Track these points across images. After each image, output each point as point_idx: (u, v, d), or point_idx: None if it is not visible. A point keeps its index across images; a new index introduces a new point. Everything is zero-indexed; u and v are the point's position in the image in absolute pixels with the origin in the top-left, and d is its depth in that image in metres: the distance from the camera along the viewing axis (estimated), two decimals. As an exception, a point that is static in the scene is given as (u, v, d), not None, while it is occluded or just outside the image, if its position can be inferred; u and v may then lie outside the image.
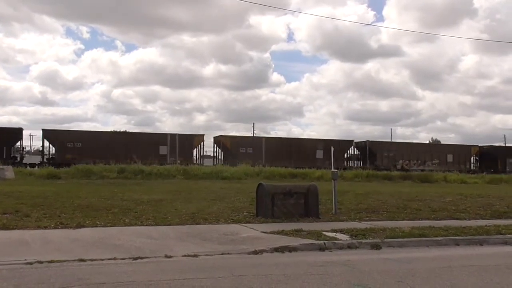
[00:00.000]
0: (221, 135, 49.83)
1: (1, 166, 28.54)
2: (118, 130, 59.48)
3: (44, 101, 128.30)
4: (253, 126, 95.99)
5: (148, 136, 46.36)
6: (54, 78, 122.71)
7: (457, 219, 13.09)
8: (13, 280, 6.09)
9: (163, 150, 44.37)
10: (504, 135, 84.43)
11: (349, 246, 9.11)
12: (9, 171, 27.40)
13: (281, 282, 6.33)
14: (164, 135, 46.72)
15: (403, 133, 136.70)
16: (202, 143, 47.91)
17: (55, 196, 15.95)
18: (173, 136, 45.93)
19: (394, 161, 50.75)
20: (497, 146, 59.94)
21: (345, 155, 51.10)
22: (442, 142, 69.93)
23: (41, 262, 7.03)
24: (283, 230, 10.09)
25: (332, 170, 13.82)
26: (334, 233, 9.96)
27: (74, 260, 7.24)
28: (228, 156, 45.89)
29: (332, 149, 16.07)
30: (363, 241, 9.41)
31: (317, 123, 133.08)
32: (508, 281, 6.85)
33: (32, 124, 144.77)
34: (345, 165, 49.23)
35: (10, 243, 8.43)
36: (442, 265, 7.74)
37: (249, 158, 43.31)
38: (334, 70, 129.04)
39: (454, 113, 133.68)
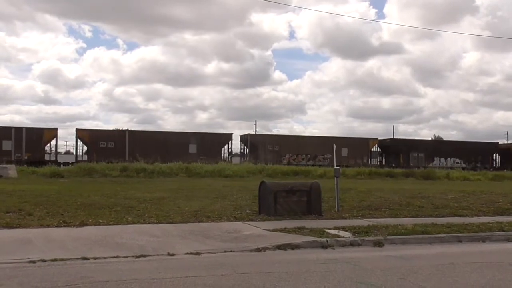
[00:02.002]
0: (80, 129, 45.98)
1: (4, 165, 28.62)
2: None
3: (47, 100, 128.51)
4: (255, 124, 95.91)
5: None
6: (56, 77, 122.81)
7: (459, 216, 13.07)
8: (17, 279, 6.11)
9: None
10: (507, 132, 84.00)
11: (352, 244, 9.11)
12: (12, 170, 27.47)
13: (283, 280, 6.33)
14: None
15: (406, 130, 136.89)
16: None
17: (58, 194, 15.99)
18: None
19: (280, 155, 47.68)
20: (399, 139, 57.06)
21: (225, 149, 48.14)
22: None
23: (44, 261, 7.05)
24: (285, 228, 10.10)
25: (335, 167, 13.81)
26: (337, 231, 9.95)
27: (77, 259, 7.26)
28: (90, 151, 43.35)
29: (334, 146, 16.02)
30: (366, 238, 9.41)
31: (319, 121, 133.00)
32: (511, 278, 6.84)
33: (34, 122, 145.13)
34: (228, 160, 46.54)
35: (13, 241, 8.44)
36: (444, 262, 7.74)
37: (110, 154, 41.13)
38: (335, 67, 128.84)
39: (456, 110, 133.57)
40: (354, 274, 6.79)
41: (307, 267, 7.16)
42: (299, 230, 9.90)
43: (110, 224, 10.44)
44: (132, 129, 49.39)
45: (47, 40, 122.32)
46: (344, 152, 48.38)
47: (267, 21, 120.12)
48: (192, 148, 45.06)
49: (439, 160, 53.03)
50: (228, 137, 48.50)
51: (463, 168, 46.98)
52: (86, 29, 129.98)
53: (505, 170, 46.83)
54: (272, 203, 12.00)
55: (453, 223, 11.28)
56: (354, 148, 49.38)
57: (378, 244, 9.16)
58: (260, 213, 12.24)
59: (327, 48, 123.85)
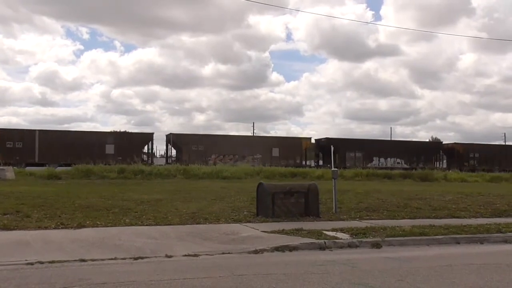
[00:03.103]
0: None
1: (1, 167, 28.55)
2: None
3: (44, 102, 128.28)
4: (253, 126, 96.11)
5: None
6: (54, 79, 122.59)
7: (457, 217, 13.10)
8: (14, 281, 6.09)
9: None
10: (504, 134, 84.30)
11: (350, 245, 9.12)
12: (9, 172, 27.39)
13: (281, 281, 6.33)
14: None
15: (403, 132, 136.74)
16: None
17: (56, 196, 15.95)
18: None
19: (205, 156, 45.76)
20: (334, 138, 53.93)
21: (145, 149, 46.92)
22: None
23: (42, 263, 7.04)
24: (283, 230, 10.10)
25: (332, 169, 13.82)
26: (335, 232, 9.96)
27: (75, 260, 7.25)
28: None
29: (332, 148, 16.06)
30: (364, 240, 9.42)
31: (316, 122, 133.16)
32: (509, 279, 6.85)
33: (32, 124, 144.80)
34: (149, 160, 45.46)
35: (11, 243, 8.43)
36: (442, 264, 7.75)
37: (17, 154, 39.52)
38: (332, 69, 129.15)
39: (453, 112, 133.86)
40: (352, 275, 6.79)
41: (305, 268, 7.16)
42: (297, 232, 9.90)
43: (107, 226, 10.42)
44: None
45: (44, 42, 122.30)
46: (275, 152, 47.43)
47: (264, 23, 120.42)
48: (109, 149, 43.32)
49: (378, 160, 51.59)
50: (148, 136, 46.41)
51: (405, 169, 44.50)
52: (84, 31, 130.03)
53: (450, 171, 45.18)
54: (270, 205, 12.00)
55: (451, 224, 11.30)
56: (287, 148, 47.90)
57: (376, 245, 9.17)
58: (258, 214, 12.23)
59: (324, 49, 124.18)
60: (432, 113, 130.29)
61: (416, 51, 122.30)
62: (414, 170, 41.62)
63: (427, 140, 56.69)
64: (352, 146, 51.28)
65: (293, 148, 48.77)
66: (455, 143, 57.45)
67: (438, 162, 55.63)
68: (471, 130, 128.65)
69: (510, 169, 48.53)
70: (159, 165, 40.96)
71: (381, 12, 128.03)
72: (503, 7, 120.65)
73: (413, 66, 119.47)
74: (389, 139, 57.97)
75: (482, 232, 10.60)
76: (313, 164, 52.74)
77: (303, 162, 49.53)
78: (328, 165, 44.88)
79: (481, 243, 9.98)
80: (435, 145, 56.88)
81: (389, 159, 51.30)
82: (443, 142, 58.64)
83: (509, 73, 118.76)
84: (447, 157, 55.77)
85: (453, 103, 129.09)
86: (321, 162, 51.54)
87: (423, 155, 53.05)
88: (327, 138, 52.53)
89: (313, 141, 53.80)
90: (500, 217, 13.54)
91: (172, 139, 47.22)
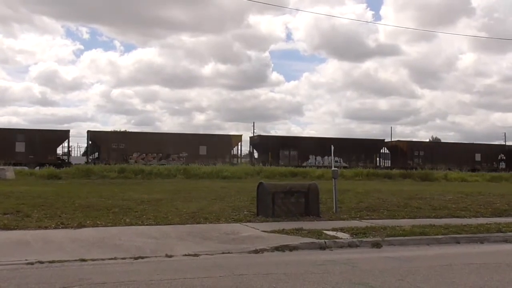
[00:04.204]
0: None
1: (1, 167, 28.56)
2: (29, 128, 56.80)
3: (44, 101, 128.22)
4: (253, 125, 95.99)
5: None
6: (54, 79, 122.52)
7: (457, 217, 13.09)
8: (14, 280, 6.10)
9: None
10: (505, 133, 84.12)
11: (350, 245, 9.11)
12: (9, 172, 27.41)
13: (282, 281, 6.33)
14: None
15: (403, 131, 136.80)
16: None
17: (56, 196, 15.96)
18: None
19: (126, 155, 43.41)
20: (268, 136, 52.03)
21: (64, 147, 44.29)
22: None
23: (42, 262, 7.04)
24: (283, 229, 10.09)
25: (333, 169, 13.82)
26: (335, 232, 9.96)
27: (75, 260, 7.25)
28: None
29: (332, 147, 16.05)
30: (364, 239, 9.41)
31: (316, 122, 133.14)
32: (509, 279, 6.85)
33: (32, 124, 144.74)
34: (66, 160, 43.46)
35: (11, 243, 8.43)
36: (442, 263, 7.75)
37: None
38: (332, 69, 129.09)
39: (454, 112, 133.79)
40: (352, 275, 6.79)
41: (305, 268, 7.16)
42: (297, 232, 9.90)
43: (108, 226, 10.42)
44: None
45: (44, 42, 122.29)
46: (203, 150, 45.13)
47: (264, 23, 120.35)
48: (20, 147, 40.93)
49: (315, 158, 49.12)
50: (64, 134, 43.78)
51: (344, 167, 42.76)
52: (84, 31, 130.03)
53: (394, 169, 43.32)
54: (270, 205, 12.00)
55: (451, 224, 11.29)
56: (215, 146, 45.57)
57: (376, 245, 9.17)
58: (258, 214, 12.23)
59: (324, 49, 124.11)
60: (432, 112, 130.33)
61: (416, 51, 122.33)
62: (353, 168, 40.39)
63: (369, 138, 53.65)
64: (286, 144, 48.97)
65: (222, 146, 46.18)
66: (398, 140, 55.59)
67: (380, 160, 53.47)
68: (471, 130, 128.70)
69: (458, 168, 47.23)
70: (77, 164, 39.46)
71: (381, 12, 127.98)
72: (503, 7, 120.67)
73: (413, 66, 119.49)
74: (326, 137, 54.65)
75: (482, 232, 10.60)
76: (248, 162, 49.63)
77: (233, 161, 47.06)
78: (260, 163, 44.43)
79: (481, 242, 9.98)
80: (377, 142, 52.96)
81: (326, 157, 48.51)
82: (384, 140, 55.70)
83: (509, 73, 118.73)
84: (392, 155, 53.63)
85: (453, 102, 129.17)
86: (254, 160, 49.53)
87: (364, 153, 50.51)
88: (259, 136, 50.73)
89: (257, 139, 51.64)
90: (500, 216, 13.53)
91: (90, 137, 44.59)
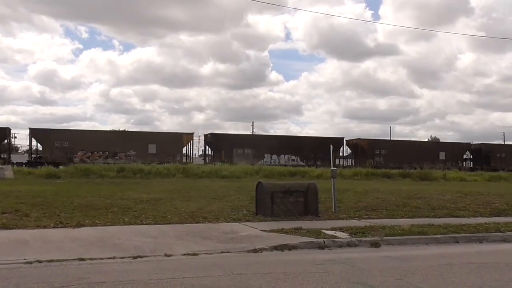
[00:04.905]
0: None
1: (0, 166, 28.52)
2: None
3: (43, 101, 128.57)
4: (252, 125, 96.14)
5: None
6: (53, 78, 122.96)
7: (456, 216, 13.11)
8: (13, 280, 6.09)
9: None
10: (503, 133, 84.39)
11: (349, 244, 9.12)
12: (8, 171, 27.38)
13: (280, 280, 6.33)
14: None
15: (402, 131, 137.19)
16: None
17: (55, 195, 15.94)
18: None
19: (70, 153, 41.82)
20: (220, 134, 50.33)
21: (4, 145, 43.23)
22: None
23: (40, 262, 7.03)
24: (282, 229, 10.10)
25: (332, 168, 13.81)
26: (334, 231, 9.96)
27: (74, 259, 7.24)
28: None
29: (331, 147, 16.06)
30: (363, 239, 9.42)
31: (315, 121, 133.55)
32: (508, 278, 6.86)
33: (31, 123, 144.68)
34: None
35: (9, 242, 8.42)
36: (441, 263, 7.76)
37: None
38: (331, 68, 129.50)
39: (453, 111, 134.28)
40: (351, 274, 6.80)
41: (304, 267, 7.16)
42: (296, 231, 9.91)
43: (107, 225, 10.42)
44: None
45: (43, 41, 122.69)
46: (152, 148, 43.87)
47: (263, 23, 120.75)
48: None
49: (270, 157, 48.16)
50: (2, 132, 42.37)
51: (301, 167, 41.82)
52: (82, 30, 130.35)
53: (356, 167, 42.27)
54: (269, 204, 12.00)
55: (450, 223, 11.31)
56: (165, 145, 44.15)
57: (375, 244, 9.17)
58: (257, 213, 12.23)
59: (323, 49, 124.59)
60: (432, 112, 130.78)
61: (415, 50, 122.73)
62: (310, 167, 39.49)
63: (329, 136, 51.94)
64: (240, 143, 47.95)
65: (172, 144, 44.63)
66: (358, 138, 53.74)
67: (340, 159, 52.18)
68: (470, 129, 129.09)
69: (421, 166, 46.14)
70: (19, 162, 39.03)
71: (380, 12, 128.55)
72: (502, 7, 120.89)
73: (412, 65, 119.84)
74: (282, 135, 53.09)
75: (481, 231, 10.62)
76: (198, 161, 49.14)
77: (184, 159, 45.62)
78: (213, 162, 43.63)
79: (480, 242, 9.99)
80: (336, 141, 50.18)
81: (282, 156, 48.14)
82: (344, 138, 53.81)
83: (508, 73, 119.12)
84: (353, 154, 52.41)
85: (452, 102, 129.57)
86: (207, 159, 48.68)
87: (322, 152, 47.41)
88: (212, 134, 49.16)
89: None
90: (499, 216, 13.55)
91: (33, 135, 43.09)
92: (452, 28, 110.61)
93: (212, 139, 48.52)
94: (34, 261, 7.03)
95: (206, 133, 50.03)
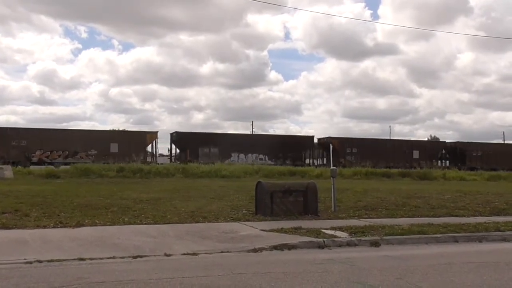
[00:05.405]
0: None
1: (0, 166, 28.50)
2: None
3: (42, 100, 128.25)
4: (252, 124, 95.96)
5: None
6: (52, 78, 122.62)
7: (456, 216, 13.11)
8: (13, 280, 6.09)
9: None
10: (503, 132, 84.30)
11: (348, 244, 9.12)
12: (8, 171, 27.36)
13: (280, 280, 6.33)
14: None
15: (401, 130, 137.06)
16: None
17: (54, 195, 15.93)
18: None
19: (28, 152, 40.78)
20: (185, 133, 48.87)
21: None
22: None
23: (40, 261, 7.03)
24: (282, 228, 10.10)
25: (331, 168, 13.82)
26: (333, 231, 9.96)
27: (74, 259, 7.24)
28: None
29: (331, 146, 16.06)
30: (362, 238, 9.42)
31: (315, 121, 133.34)
32: (507, 278, 6.86)
33: (30, 123, 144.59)
34: None
35: (9, 242, 8.42)
36: (441, 262, 7.75)
37: None
38: (331, 68, 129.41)
39: (452, 111, 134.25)
40: (351, 274, 6.80)
41: (304, 267, 7.16)
42: (295, 231, 9.90)
43: (106, 225, 10.41)
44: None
45: (42, 41, 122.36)
46: (114, 147, 42.86)
47: (263, 22, 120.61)
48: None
49: (237, 156, 47.26)
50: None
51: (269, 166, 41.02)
52: (82, 30, 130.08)
53: (326, 167, 41.13)
54: (269, 204, 12.00)
55: (450, 223, 11.31)
56: (127, 144, 43.20)
57: (375, 244, 9.17)
58: (257, 213, 12.23)
59: (322, 48, 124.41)
60: (431, 111, 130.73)
61: (414, 50, 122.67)
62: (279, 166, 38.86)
63: (299, 134, 50.83)
64: (206, 141, 46.96)
65: (135, 143, 43.61)
66: (329, 137, 51.91)
67: (310, 159, 51.33)
68: (469, 128, 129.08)
69: (395, 165, 45.21)
70: None
71: (379, 11, 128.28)
72: (501, 6, 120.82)
73: (411, 65, 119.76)
74: (251, 133, 51.65)
75: (481, 231, 10.62)
76: (164, 160, 48.15)
77: (148, 159, 44.66)
78: (179, 162, 42.72)
79: (480, 241, 9.99)
80: (306, 140, 50.51)
81: (250, 155, 47.29)
82: (314, 136, 53.22)
83: (507, 72, 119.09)
84: (325, 153, 50.92)
85: (452, 101, 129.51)
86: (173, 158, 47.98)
87: (292, 151, 48.29)
88: (177, 132, 48.12)
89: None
90: (498, 215, 13.55)
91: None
92: (451, 28, 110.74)
93: (178, 138, 47.56)
94: (34, 261, 7.02)
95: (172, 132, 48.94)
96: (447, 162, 55.33)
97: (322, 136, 53.16)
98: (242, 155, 47.55)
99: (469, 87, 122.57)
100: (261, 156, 48.08)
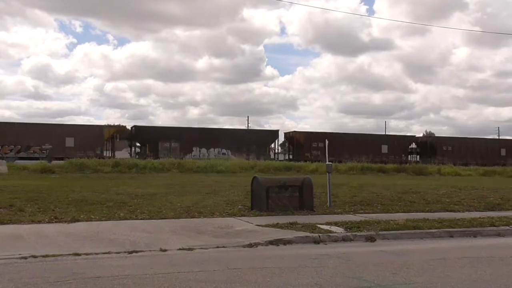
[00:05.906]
0: None
1: (-6, 161, 28.37)
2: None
3: (37, 95, 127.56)
4: (247, 119, 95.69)
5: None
6: (47, 72, 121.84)
7: (451, 211, 13.16)
8: (8, 275, 6.06)
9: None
10: (498, 128, 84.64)
11: (344, 239, 9.14)
12: (2, 166, 27.25)
13: (276, 275, 6.34)
14: None
15: (397, 126, 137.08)
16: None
17: (49, 190, 15.88)
18: None
19: None
20: (143, 127, 48.07)
21: None
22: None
23: (35, 257, 7.01)
24: (277, 223, 10.11)
25: (327, 163, 13.83)
26: (329, 226, 9.98)
27: (69, 254, 7.23)
28: None
29: (327, 142, 16.05)
30: (358, 233, 9.44)
31: (311, 116, 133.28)
32: (502, 272, 6.89)
33: (25, 118, 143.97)
34: None
35: (4, 237, 8.39)
36: (436, 257, 7.78)
37: None
38: (326, 63, 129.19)
39: (447, 106, 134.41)
40: (346, 269, 6.81)
41: (299, 262, 7.17)
42: (291, 226, 9.92)
43: (102, 220, 10.40)
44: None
45: (37, 35, 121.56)
46: (70, 142, 41.63)
47: (258, 17, 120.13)
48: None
49: (199, 151, 46.28)
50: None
51: None
52: (77, 25, 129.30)
53: (291, 161, 41.31)
54: (264, 199, 12.01)
55: (445, 218, 11.34)
56: (84, 138, 41.88)
57: (370, 239, 9.20)
58: (252, 208, 12.24)
59: (318, 44, 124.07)
60: (426, 107, 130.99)
61: (410, 45, 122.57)
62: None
63: (262, 129, 50.08)
64: (167, 135, 45.69)
65: (92, 137, 42.34)
66: (294, 131, 51.55)
67: (275, 153, 50.99)
68: (464, 124, 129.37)
69: (361, 160, 42.94)
70: None
71: (375, 6, 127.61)
72: (496, 2, 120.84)
73: (407, 60, 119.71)
74: (214, 127, 50.71)
75: (476, 226, 10.66)
76: (125, 155, 46.82)
77: (105, 153, 43.41)
78: (137, 156, 41.98)
79: (475, 236, 10.04)
80: (270, 134, 49.61)
81: (212, 149, 46.42)
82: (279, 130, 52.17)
83: (502, 68, 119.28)
84: (291, 146, 50.80)
85: (447, 97, 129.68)
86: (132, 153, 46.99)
87: (256, 145, 47.36)
88: (135, 126, 47.20)
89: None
90: (493, 210, 13.60)
91: None
92: (447, 23, 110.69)
93: (137, 132, 46.67)
94: (29, 256, 7.00)
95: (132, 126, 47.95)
96: (418, 156, 55.00)
97: (289, 131, 52.37)
98: (204, 150, 46.72)
99: (464, 82, 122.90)
100: (223, 150, 47.21)
